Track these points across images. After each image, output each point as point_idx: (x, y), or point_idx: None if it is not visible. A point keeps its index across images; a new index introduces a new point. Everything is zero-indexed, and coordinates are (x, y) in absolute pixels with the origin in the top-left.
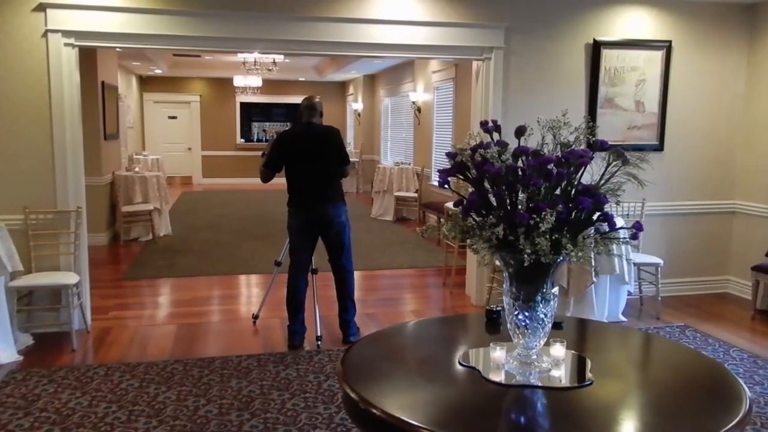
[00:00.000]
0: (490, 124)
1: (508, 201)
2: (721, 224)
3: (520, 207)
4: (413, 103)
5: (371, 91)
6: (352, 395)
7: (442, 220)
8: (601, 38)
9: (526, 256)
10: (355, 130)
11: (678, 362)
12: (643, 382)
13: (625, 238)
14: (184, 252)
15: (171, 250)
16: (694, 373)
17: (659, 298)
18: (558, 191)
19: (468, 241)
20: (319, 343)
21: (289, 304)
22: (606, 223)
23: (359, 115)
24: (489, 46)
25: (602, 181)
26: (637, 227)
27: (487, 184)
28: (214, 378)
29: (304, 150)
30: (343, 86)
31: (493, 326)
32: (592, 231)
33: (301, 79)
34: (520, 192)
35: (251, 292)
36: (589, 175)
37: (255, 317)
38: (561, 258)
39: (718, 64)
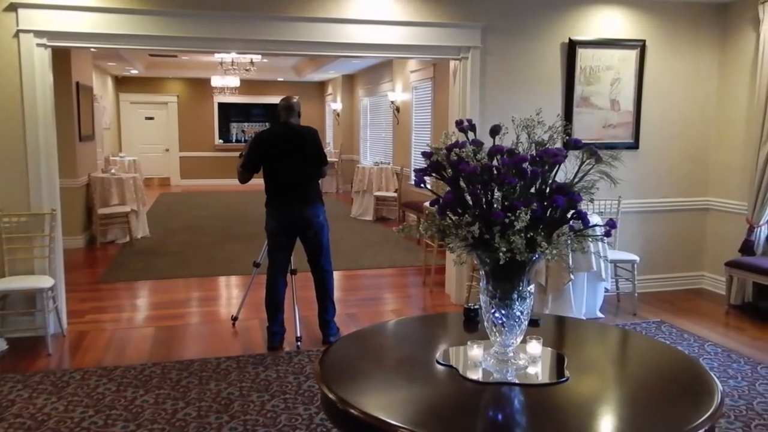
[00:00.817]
0: (465, 123)
1: (483, 200)
2: (696, 221)
3: (495, 206)
4: (392, 102)
5: (350, 91)
6: (330, 396)
7: (421, 219)
8: (576, 38)
9: (501, 254)
10: (335, 130)
11: (653, 358)
12: (619, 377)
13: (599, 235)
14: (163, 254)
15: (149, 252)
16: (668, 368)
17: (636, 295)
18: (533, 190)
19: (445, 239)
20: (299, 343)
21: (268, 305)
22: (580, 221)
23: (338, 115)
24: (466, 45)
25: (576, 180)
26: (611, 224)
27: (462, 183)
28: (193, 380)
29: (282, 150)
30: (321, 86)
31: (471, 324)
32: (567, 229)
33: (279, 79)
34: (495, 191)
35: (230, 293)
36: (563, 174)
37: (234, 319)
38: (536, 256)
39: (691, 63)
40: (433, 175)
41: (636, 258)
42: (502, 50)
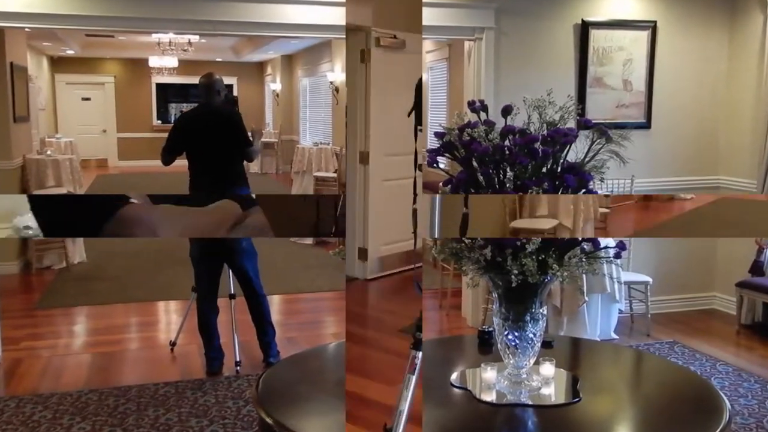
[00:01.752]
0: (477, 103)
1: (495, 180)
2: (707, 240)
3: (507, 185)
4: (331, 83)
5: (289, 71)
6: (268, 420)
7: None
8: (589, 18)
9: (513, 276)
10: (274, 110)
11: (665, 378)
12: (630, 398)
13: (609, 256)
14: (101, 278)
15: (87, 278)
16: (680, 388)
17: (649, 316)
18: (544, 169)
19: (459, 263)
20: (238, 368)
21: (201, 331)
22: (591, 243)
23: (278, 95)
24: (480, 26)
25: (587, 159)
26: (620, 246)
27: (475, 163)
28: (131, 407)
29: (200, 132)
30: (261, 66)
31: (486, 347)
32: (578, 251)
33: (218, 59)
34: (507, 170)
35: (169, 318)
36: (574, 154)
37: (173, 344)
38: (548, 278)
39: (701, 43)
40: (446, 155)
41: (649, 279)
42: (516, 31)
